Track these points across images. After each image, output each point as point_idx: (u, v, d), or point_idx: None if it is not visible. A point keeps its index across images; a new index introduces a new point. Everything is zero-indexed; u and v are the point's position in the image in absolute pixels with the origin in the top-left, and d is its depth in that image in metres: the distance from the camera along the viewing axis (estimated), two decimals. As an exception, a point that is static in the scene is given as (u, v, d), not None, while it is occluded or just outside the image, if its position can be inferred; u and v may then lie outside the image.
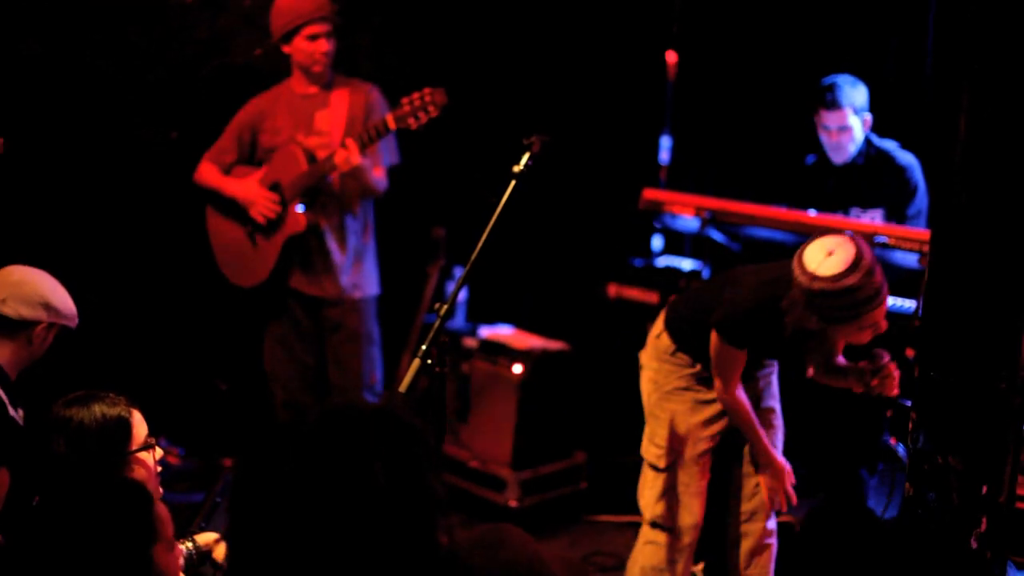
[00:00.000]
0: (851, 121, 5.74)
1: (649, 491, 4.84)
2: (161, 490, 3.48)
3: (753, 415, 4.64)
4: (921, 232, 5.32)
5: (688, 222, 6.03)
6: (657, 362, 4.81)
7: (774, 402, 4.87)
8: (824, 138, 5.85)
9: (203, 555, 3.60)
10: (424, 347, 3.94)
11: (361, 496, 2.07)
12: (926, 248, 4.89)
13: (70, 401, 3.32)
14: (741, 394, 4.60)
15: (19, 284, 4.15)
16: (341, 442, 2.11)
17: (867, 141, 5.83)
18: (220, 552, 3.56)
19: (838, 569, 5.27)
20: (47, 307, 4.14)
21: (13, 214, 6.21)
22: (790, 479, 4.69)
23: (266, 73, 6.13)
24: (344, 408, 2.21)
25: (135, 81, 6.73)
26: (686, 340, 4.71)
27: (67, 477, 3.01)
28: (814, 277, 4.14)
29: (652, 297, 6.24)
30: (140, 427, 3.42)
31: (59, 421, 3.27)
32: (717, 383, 4.60)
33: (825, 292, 4.13)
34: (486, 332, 6.72)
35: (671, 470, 4.77)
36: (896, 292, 5.43)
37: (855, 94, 5.73)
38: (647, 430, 4.86)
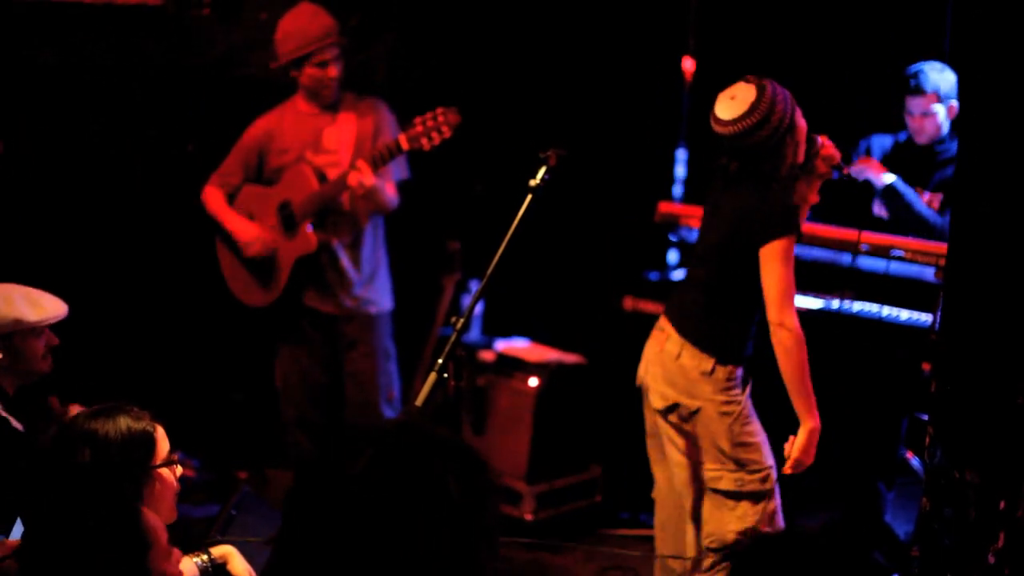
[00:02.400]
0: (935, 108, 5.70)
1: (749, 519, 4.56)
2: (176, 513, 3.46)
3: (808, 367, 4.41)
4: (938, 246, 5.30)
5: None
6: (724, 395, 4.57)
7: None
8: (908, 121, 5.80)
9: (218, 567, 3.60)
10: (440, 361, 3.94)
11: (433, 509, 2.06)
12: (943, 262, 4.89)
13: (95, 413, 3.31)
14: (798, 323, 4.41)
15: None
16: (418, 452, 2.10)
17: (951, 134, 5.78)
18: (235, 564, 3.56)
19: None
20: (13, 321, 4.13)
21: (28, 226, 6.23)
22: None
23: (282, 86, 6.13)
24: (419, 425, 2.20)
25: (152, 94, 6.75)
26: (723, 341, 4.59)
27: (87, 488, 3.00)
28: (719, 122, 4.42)
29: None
30: (163, 443, 3.41)
31: (84, 432, 3.26)
32: (776, 314, 4.36)
33: (735, 135, 4.37)
34: (502, 345, 6.71)
35: (774, 490, 4.57)
36: (913, 306, 5.43)
37: (941, 80, 5.67)
38: (732, 462, 4.56)
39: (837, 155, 4.59)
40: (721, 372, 4.55)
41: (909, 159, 5.86)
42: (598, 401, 6.61)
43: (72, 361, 4.58)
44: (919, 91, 5.68)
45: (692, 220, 6.01)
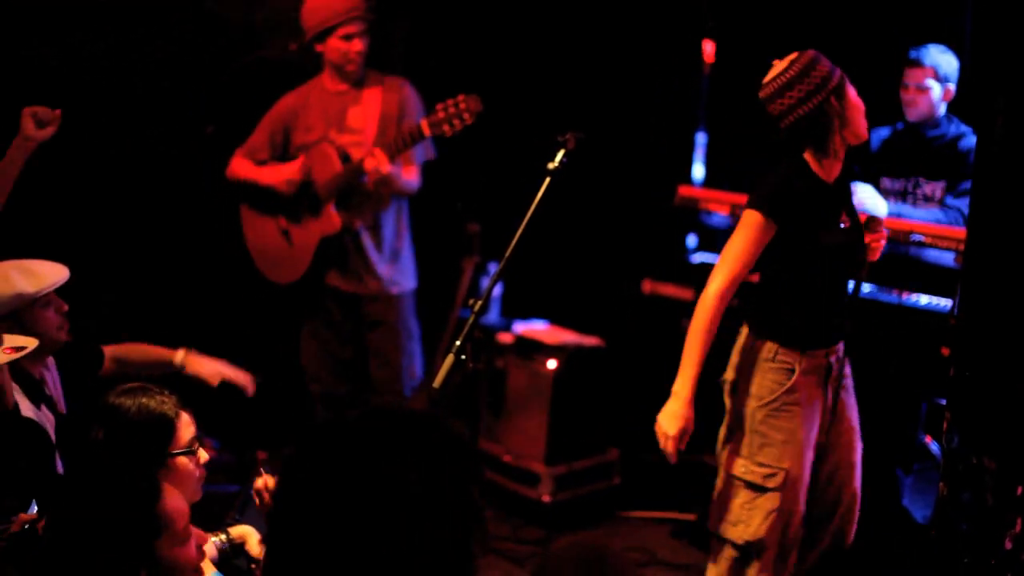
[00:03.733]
0: (930, 83, 5.69)
1: (747, 511, 4.49)
2: (199, 495, 3.47)
3: (705, 337, 4.34)
4: (958, 231, 5.29)
5: (723, 219, 6.02)
6: (759, 374, 4.47)
7: (856, 419, 4.68)
8: (902, 95, 5.79)
9: (237, 547, 3.62)
10: (458, 343, 3.94)
11: (395, 503, 2.07)
12: (962, 247, 4.87)
13: (122, 391, 3.32)
14: (722, 303, 4.32)
15: None
16: (379, 447, 2.11)
17: (947, 116, 5.78)
18: (253, 545, 3.58)
19: (872, 569, 5.24)
20: (15, 296, 4.15)
21: (47, 210, 6.24)
22: (668, 443, 4.34)
23: (301, 67, 6.14)
24: (385, 412, 2.21)
25: (170, 75, 6.75)
26: (770, 318, 4.49)
27: (98, 465, 3.02)
28: (763, 84, 4.33)
29: (686, 294, 6.21)
30: (186, 429, 3.41)
31: (105, 410, 3.27)
32: (711, 276, 4.33)
33: (776, 88, 4.28)
34: (520, 327, 6.72)
35: (781, 489, 4.44)
36: (932, 291, 5.41)
37: (941, 59, 5.67)
38: (745, 446, 4.48)
39: (875, 256, 4.58)
40: (762, 350, 4.45)
41: (908, 146, 5.85)
42: (616, 384, 6.62)
43: (97, 341, 4.62)
44: (917, 63, 5.69)
45: (712, 204, 6.00)
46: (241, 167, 6.07)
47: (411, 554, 2.06)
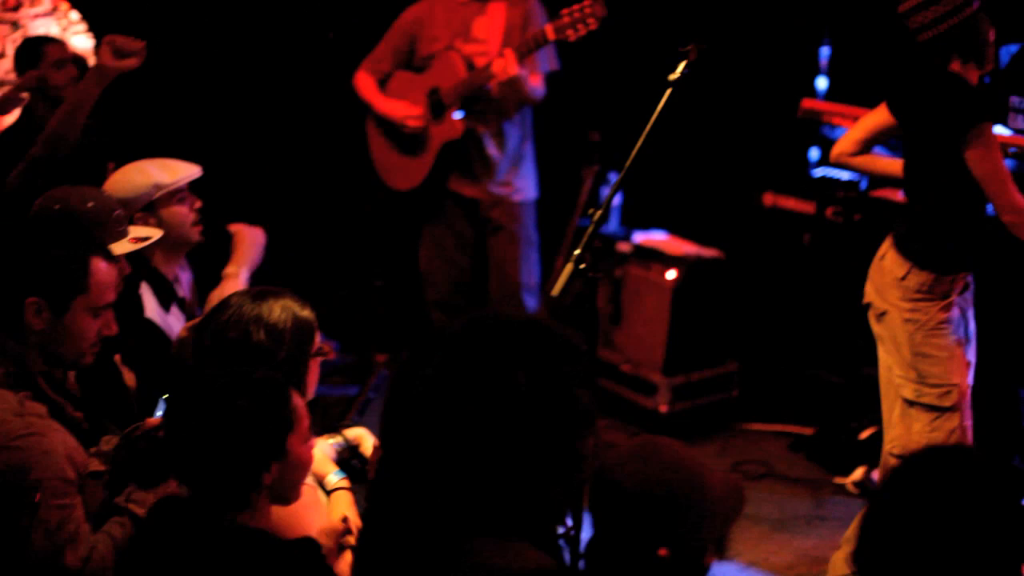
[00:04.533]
0: None
1: (929, 434, 4.44)
2: (313, 394, 3.52)
3: None
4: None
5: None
6: (910, 303, 4.43)
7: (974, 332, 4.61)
8: None
9: (352, 449, 3.67)
10: (578, 251, 3.94)
11: (502, 404, 2.09)
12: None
13: (259, 294, 3.35)
14: None
15: (118, 184, 4.28)
16: (485, 349, 2.14)
17: None
18: (368, 447, 3.63)
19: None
20: (152, 186, 4.26)
21: (173, 122, 6.35)
22: None
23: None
24: (492, 317, 2.24)
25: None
26: (932, 247, 4.42)
27: (249, 367, 3.06)
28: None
29: (808, 207, 6.14)
30: (317, 331, 3.47)
31: (252, 314, 3.29)
32: (1003, 213, 4.26)
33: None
34: (640, 237, 6.70)
35: (956, 408, 4.42)
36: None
37: None
38: (912, 370, 4.45)
39: None
40: (914, 280, 4.40)
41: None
42: (736, 296, 6.59)
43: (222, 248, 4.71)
44: None
45: (835, 117, 5.90)
46: (363, 84, 6.12)
47: (518, 454, 2.09)
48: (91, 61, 5.98)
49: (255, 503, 2.86)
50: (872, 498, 2.26)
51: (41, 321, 3.25)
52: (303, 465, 2.96)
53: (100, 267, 3.33)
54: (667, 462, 2.42)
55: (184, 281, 4.52)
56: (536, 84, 5.88)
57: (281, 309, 3.27)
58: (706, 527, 2.42)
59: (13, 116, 5.99)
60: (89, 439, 3.30)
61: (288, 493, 2.97)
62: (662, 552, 2.37)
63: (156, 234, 4.12)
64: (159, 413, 3.45)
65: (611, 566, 2.42)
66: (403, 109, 6.01)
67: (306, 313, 3.31)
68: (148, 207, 4.31)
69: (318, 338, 3.41)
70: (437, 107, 5.92)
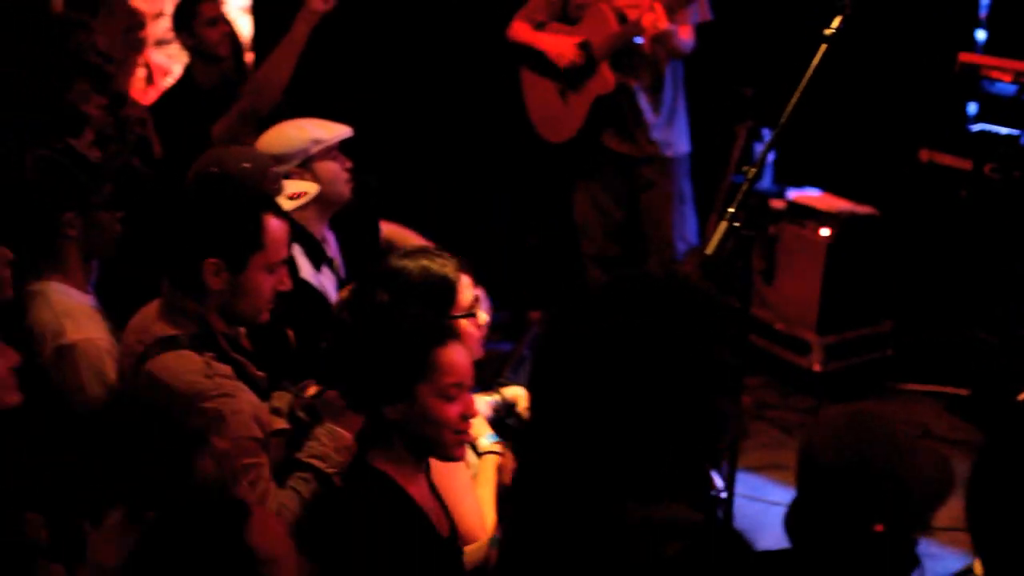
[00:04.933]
0: None
1: None
2: (481, 352, 3.56)
3: None
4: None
5: (1006, 87, 5.78)
6: None
7: None
8: None
9: (509, 407, 3.70)
10: (732, 209, 3.92)
11: (646, 363, 2.09)
12: None
13: (404, 254, 3.41)
14: None
15: (274, 141, 4.37)
16: (629, 308, 2.14)
17: None
18: (524, 404, 3.65)
19: None
20: (310, 141, 4.33)
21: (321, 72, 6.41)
22: None
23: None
24: (638, 275, 2.24)
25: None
26: None
27: (383, 328, 3.12)
28: None
29: (965, 164, 6.00)
30: (466, 292, 3.48)
31: (388, 273, 3.36)
32: None
33: None
34: (794, 194, 6.64)
35: None
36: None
37: None
38: None
39: None
40: None
41: None
42: (891, 254, 6.49)
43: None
44: None
45: (994, 72, 5.76)
46: (520, 30, 6.14)
47: (662, 413, 2.09)
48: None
49: (392, 441, 2.95)
50: (984, 446, 2.23)
51: (220, 281, 3.31)
52: (435, 421, 2.99)
53: (273, 224, 3.39)
54: (882, 436, 2.42)
55: (331, 241, 4.59)
56: (686, 37, 5.84)
57: (416, 267, 3.32)
58: (922, 504, 2.42)
59: (172, 78, 6.14)
60: (267, 398, 3.39)
61: (429, 447, 3.03)
62: (878, 528, 2.37)
63: (313, 189, 4.20)
64: None
65: (820, 539, 2.42)
66: (560, 44, 5.98)
67: (445, 272, 3.35)
68: (303, 163, 4.39)
69: (465, 297, 3.45)
70: (589, 60, 5.92)
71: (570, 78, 5.98)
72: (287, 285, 3.48)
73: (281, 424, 3.33)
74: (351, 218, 4.66)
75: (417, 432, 2.98)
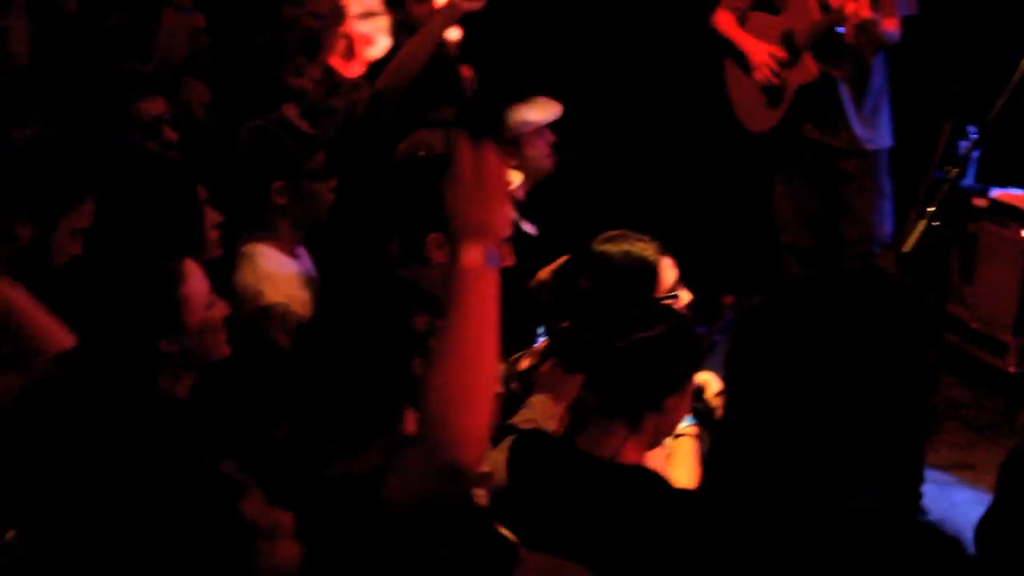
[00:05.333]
0: None
1: None
2: None
3: None
4: None
5: None
6: None
7: None
8: None
9: (698, 392, 3.73)
10: (932, 208, 3.89)
11: (842, 358, 2.11)
12: None
13: (605, 239, 3.48)
14: None
15: None
16: (829, 304, 2.16)
17: None
18: (713, 391, 3.68)
19: None
20: (520, 123, 4.47)
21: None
22: None
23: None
24: (838, 272, 2.26)
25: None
26: None
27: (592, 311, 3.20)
28: None
29: None
30: (667, 274, 3.54)
31: (590, 258, 3.43)
32: None
33: None
34: (997, 193, 6.52)
35: None
36: None
37: None
38: None
39: None
40: None
41: None
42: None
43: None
44: None
45: None
46: (724, 22, 6.17)
47: (858, 408, 2.10)
48: None
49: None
50: None
51: (442, 255, 3.47)
52: (674, 424, 3.09)
53: None
54: None
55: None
56: (891, 28, 5.77)
57: (617, 251, 3.37)
58: None
59: (382, 50, 6.28)
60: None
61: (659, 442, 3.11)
62: None
63: (516, 179, 4.32)
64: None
65: (1012, 553, 2.40)
66: (760, 53, 6.01)
67: (645, 255, 3.40)
68: (511, 142, 4.53)
69: (666, 279, 3.49)
70: (791, 50, 5.91)
71: (767, 92, 6.00)
72: (508, 262, 3.59)
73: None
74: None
75: (665, 433, 3.09)
